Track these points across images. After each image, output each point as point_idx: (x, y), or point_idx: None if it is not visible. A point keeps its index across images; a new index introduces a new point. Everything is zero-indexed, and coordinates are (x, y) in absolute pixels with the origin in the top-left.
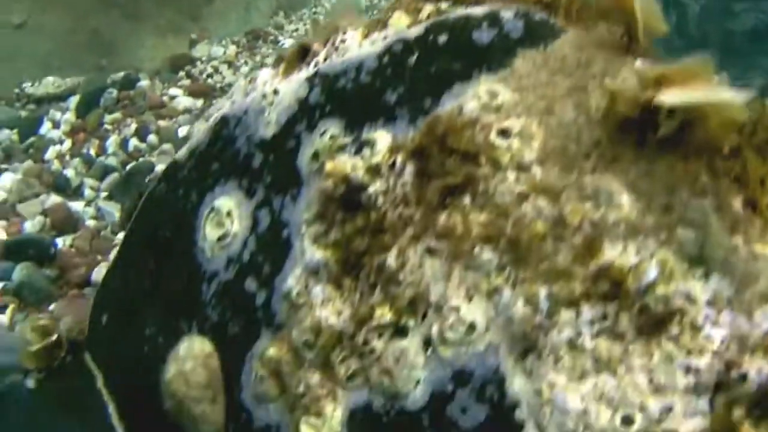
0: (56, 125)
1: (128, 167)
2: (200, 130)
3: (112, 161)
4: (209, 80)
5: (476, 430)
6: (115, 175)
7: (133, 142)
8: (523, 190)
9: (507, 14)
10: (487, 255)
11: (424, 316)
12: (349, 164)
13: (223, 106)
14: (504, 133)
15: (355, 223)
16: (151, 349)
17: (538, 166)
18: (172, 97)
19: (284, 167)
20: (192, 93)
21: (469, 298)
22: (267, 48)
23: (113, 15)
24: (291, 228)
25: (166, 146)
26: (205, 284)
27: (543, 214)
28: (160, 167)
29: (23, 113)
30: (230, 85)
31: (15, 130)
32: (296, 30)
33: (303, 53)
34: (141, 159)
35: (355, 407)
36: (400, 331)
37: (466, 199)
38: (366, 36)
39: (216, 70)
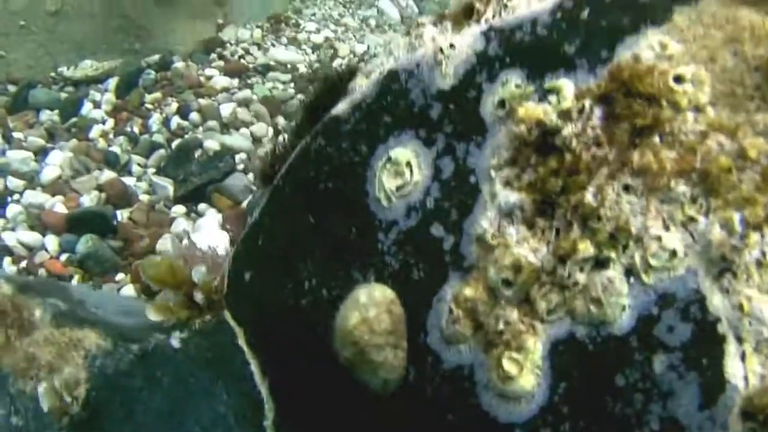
0: (97, 105)
1: (176, 143)
2: (362, 85)
3: (157, 138)
4: (242, 60)
5: (683, 346)
6: (161, 152)
7: (176, 120)
8: (704, 128)
9: None
10: (681, 188)
11: (625, 247)
12: (540, 109)
13: (382, 63)
14: (679, 78)
15: (548, 165)
16: (312, 301)
17: (711, 108)
18: (209, 77)
19: (466, 116)
20: (228, 72)
21: (667, 228)
22: (290, 31)
23: (145, 1)
24: (477, 174)
25: (211, 123)
26: (381, 233)
27: (725, 149)
28: (209, 143)
29: (63, 95)
30: (263, 65)
31: (56, 111)
32: (314, 14)
33: (468, 12)
34: (186, 136)
35: (557, 339)
36: (602, 263)
37: (656, 138)
38: None
39: (247, 51)
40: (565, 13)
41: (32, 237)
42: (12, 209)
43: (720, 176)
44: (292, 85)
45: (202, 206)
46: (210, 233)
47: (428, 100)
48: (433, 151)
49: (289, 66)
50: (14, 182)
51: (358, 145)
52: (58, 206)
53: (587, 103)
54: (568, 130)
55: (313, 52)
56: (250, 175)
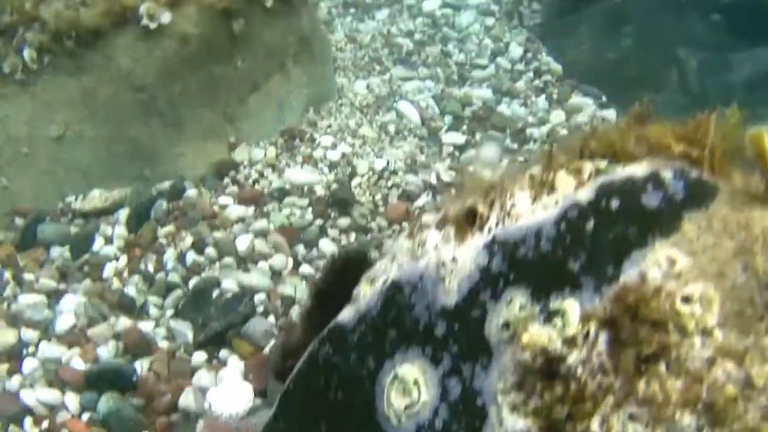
0: (109, 241)
1: (192, 283)
2: (366, 293)
3: (173, 277)
4: (256, 186)
5: None
6: (178, 292)
7: (191, 256)
8: (711, 354)
9: (667, 175)
10: (687, 419)
11: None
12: (545, 336)
13: (386, 268)
14: (687, 299)
15: (554, 391)
16: None
17: (719, 330)
18: (223, 206)
19: (471, 336)
20: (242, 200)
21: None
22: (305, 147)
23: (152, 124)
24: (484, 396)
25: (228, 260)
26: None
27: (732, 377)
28: (226, 283)
29: (73, 229)
30: (279, 190)
31: (67, 247)
32: (329, 126)
33: (471, 217)
34: (203, 274)
35: None
36: None
37: (662, 366)
38: (535, 199)
39: (261, 174)
40: (569, 224)
41: (52, 395)
42: (28, 364)
43: (726, 407)
44: (309, 210)
45: (223, 353)
46: (233, 386)
47: (433, 317)
48: (440, 370)
49: (305, 189)
50: (28, 333)
51: (366, 359)
52: (75, 360)
53: (592, 328)
54: (573, 357)
55: (330, 171)
56: (271, 318)
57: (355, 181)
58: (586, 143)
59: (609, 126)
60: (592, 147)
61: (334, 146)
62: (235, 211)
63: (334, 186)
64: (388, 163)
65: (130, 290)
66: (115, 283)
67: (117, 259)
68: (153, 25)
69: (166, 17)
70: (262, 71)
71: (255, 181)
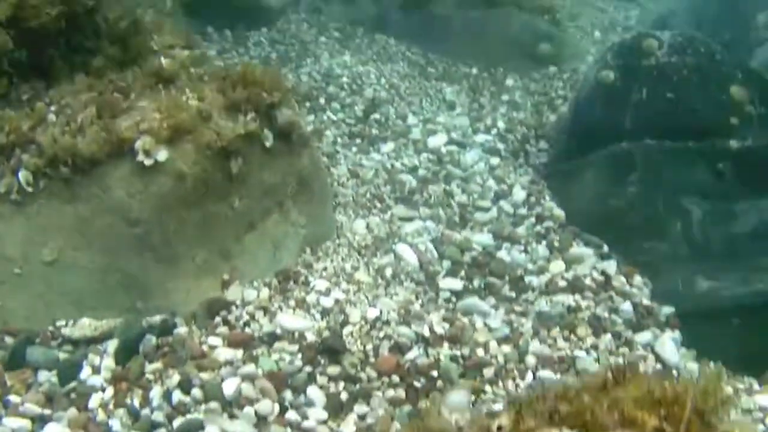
0: (97, 371)
1: (176, 424)
2: None
3: (158, 416)
4: (247, 329)
5: None
6: (162, 431)
7: (177, 395)
8: None
9: None
10: None
11: None
12: None
13: None
14: None
15: None
16: None
17: None
18: (212, 347)
19: None
20: (231, 343)
21: None
22: (299, 290)
23: (145, 257)
24: None
25: (213, 404)
26: None
27: None
28: (210, 429)
29: (61, 355)
30: (269, 334)
31: (55, 372)
32: (325, 269)
33: None
34: (188, 415)
35: None
36: None
37: None
38: None
39: (252, 317)
40: None
41: None
42: None
43: None
44: (299, 356)
45: None
46: None
47: None
48: None
49: (296, 335)
50: None
51: None
52: None
53: None
54: None
55: (322, 318)
56: None
57: (346, 330)
58: (557, 407)
59: (583, 384)
60: (562, 412)
61: (328, 292)
62: (224, 353)
63: (326, 333)
64: (381, 312)
65: (115, 424)
66: (101, 415)
67: (103, 390)
68: (148, 162)
69: (162, 154)
70: (260, 210)
71: (246, 324)
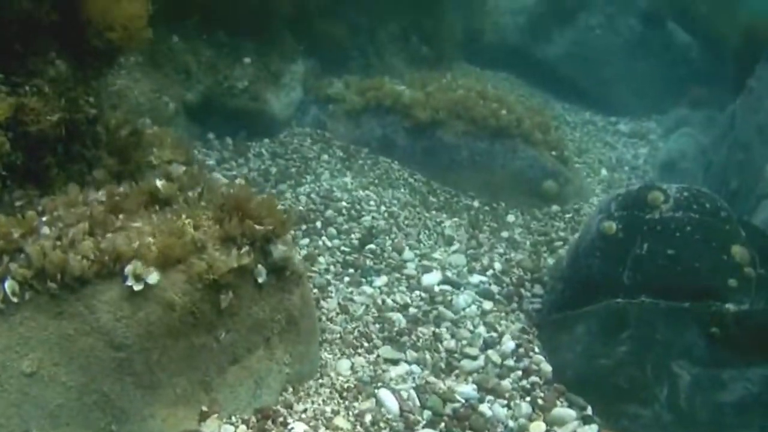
0: None
1: None
2: None
3: None
4: None
5: None
6: None
7: None
8: None
9: None
10: None
11: None
12: None
13: None
14: None
15: None
16: None
17: None
18: None
19: None
20: None
21: None
22: (276, 431)
23: (126, 382)
24: None
25: None
26: None
27: None
28: None
29: None
30: None
31: None
32: (305, 411)
33: None
34: None
35: None
36: None
37: None
38: None
39: None
40: None
41: None
42: None
43: None
44: None
45: None
46: None
47: None
48: None
49: None
50: None
51: None
52: None
53: None
54: None
55: None
56: None
57: None
58: None
59: None
60: None
61: None
62: None
63: None
64: None
65: None
66: None
67: None
68: (138, 287)
69: (153, 277)
70: (245, 345)
71: None
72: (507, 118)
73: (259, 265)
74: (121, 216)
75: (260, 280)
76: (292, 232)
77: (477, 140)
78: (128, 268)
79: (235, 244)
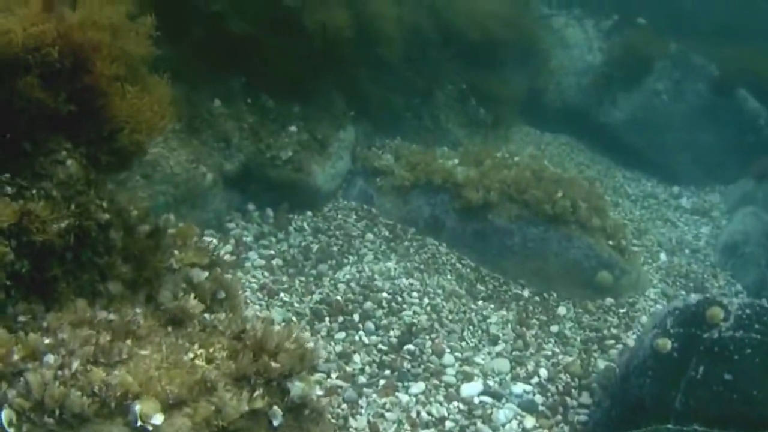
0: None
1: None
2: None
3: None
4: None
5: None
6: None
7: None
8: None
9: None
10: None
11: None
12: None
13: None
14: None
15: None
16: None
17: None
18: None
19: None
20: None
21: None
22: None
23: None
24: None
25: None
26: None
27: None
28: None
29: None
30: None
31: None
32: None
33: None
34: None
35: None
36: None
37: None
38: None
39: None
40: None
41: None
42: None
43: None
44: None
45: None
46: None
47: None
48: None
49: None
50: None
51: None
52: None
53: None
54: None
55: None
56: None
57: None
58: None
59: None
60: None
61: None
62: None
63: None
64: None
65: None
66: None
67: None
68: (141, 429)
69: (157, 418)
70: None
71: None
72: (563, 203)
73: (275, 407)
74: (128, 341)
75: (275, 423)
76: (328, 324)
77: (530, 225)
78: (134, 408)
79: (249, 384)
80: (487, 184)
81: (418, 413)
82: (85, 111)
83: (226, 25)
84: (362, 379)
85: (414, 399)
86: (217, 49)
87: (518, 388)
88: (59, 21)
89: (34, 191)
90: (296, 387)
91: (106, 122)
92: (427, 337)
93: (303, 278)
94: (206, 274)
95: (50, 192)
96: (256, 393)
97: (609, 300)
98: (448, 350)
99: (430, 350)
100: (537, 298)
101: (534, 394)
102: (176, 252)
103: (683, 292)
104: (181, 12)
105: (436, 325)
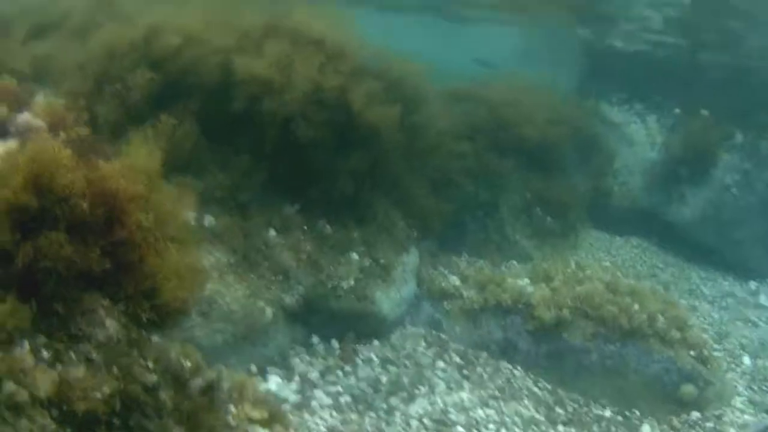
0: None
1: None
2: None
3: None
4: None
5: None
6: None
7: None
8: None
9: None
10: None
11: None
12: None
13: None
14: None
15: None
16: None
17: None
18: None
19: None
20: None
21: None
22: None
23: None
24: None
25: None
26: None
27: None
28: None
29: None
30: None
31: None
32: None
33: None
34: None
35: None
36: None
37: None
38: None
39: None
40: None
41: None
42: None
43: None
44: None
45: None
46: None
47: None
48: None
49: None
50: None
51: None
52: None
53: None
54: None
55: None
56: None
57: None
58: None
59: None
60: None
61: None
62: None
63: None
64: None
65: None
66: None
67: None
68: None
69: None
70: None
71: None
72: (639, 316)
73: None
74: None
75: None
76: None
77: (607, 342)
78: None
79: None
80: (559, 301)
81: None
82: (121, 266)
83: (293, 129)
84: None
85: None
86: (271, 171)
87: None
88: (91, 169)
89: (72, 354)
90: None
91: (144, 278)
92: None
93: (373, 414)
94: None
95: (90, 355)
96: None
97: (695, 414)
98: None
99: None
100: (619, 418)
101: None
102: (233, 407)
103: None
104: (235, 134)
105: None
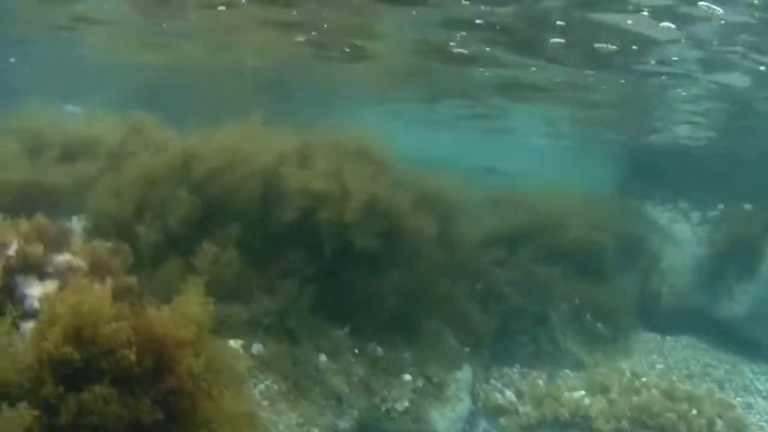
0: None
1: None
2: None
3: None
4: None
5: None
6: None
7: None
8: None
9: None
10: None
11: None
12: None
13: None
14: None
15: None
16: None
17: None
18: None
19: None
20: None
21: None
22: None
23: None
24: None
25: None
26: None
27: None
28: None
29: None
30: None
31: None
32: None
33: None
34: None
35: None
36: None
37: None
38: None
39: None
40: None
41: None
42: None
43: None
44: None
45: None
46: None
47: None
48: None
49: None
50: None
51: None
52: None
53: None
54: None
55: None
56: None
57: None
58: None
59: None
60: None
61: None
62: None
63: None
64: None
65: None
66: None
67: None
68: None
69: None
70: None
71: None
72: (698, 422)
73: None
74: None
75: None
76: None
77: None
78: None
79: None
80: (617, 413)
81: None
82: (173, 415)
83: (352, 238)
84: None
85: None
86: (319, 293)
87: None
88: (137, 316)
89: None
90: None
91: (197, 426)
92: None
93: None
94: None
95: None
96: None
97: None
98: None
99: None
100: None
101: None
102: None
103: None
104: (281, 254)
105: None
